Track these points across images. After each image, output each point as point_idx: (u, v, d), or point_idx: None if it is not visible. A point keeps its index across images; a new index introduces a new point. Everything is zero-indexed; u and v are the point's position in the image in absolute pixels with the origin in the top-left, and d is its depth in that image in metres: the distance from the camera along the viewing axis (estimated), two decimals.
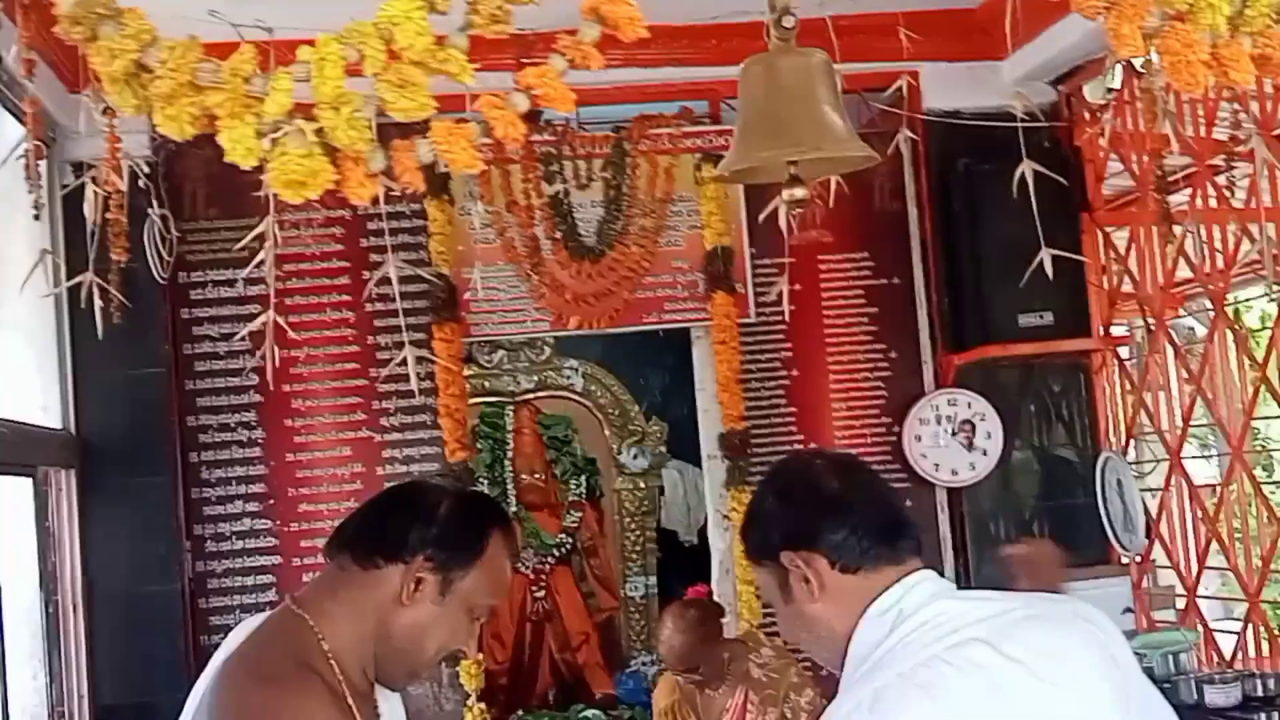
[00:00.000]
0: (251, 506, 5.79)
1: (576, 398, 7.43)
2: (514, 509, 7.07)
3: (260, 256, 5.33)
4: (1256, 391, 5.93)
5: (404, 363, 5.55)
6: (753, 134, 3.21)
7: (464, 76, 1.58)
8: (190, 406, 5.79)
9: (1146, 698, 2.09)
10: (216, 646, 2.21)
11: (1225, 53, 2.60)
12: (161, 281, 5.60)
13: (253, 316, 5.46)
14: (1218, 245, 5.95)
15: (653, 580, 7.41)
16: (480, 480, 6.80)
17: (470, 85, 1.62)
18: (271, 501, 5.79)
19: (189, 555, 5.73)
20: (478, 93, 1.75)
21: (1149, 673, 5.70)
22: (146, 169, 5.30)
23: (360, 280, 5.81)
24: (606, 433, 7.45)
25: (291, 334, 5.48)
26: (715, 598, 5.77)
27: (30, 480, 5.27)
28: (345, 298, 5.90)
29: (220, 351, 5.80)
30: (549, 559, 7.09)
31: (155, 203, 5.53)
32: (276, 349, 5.26)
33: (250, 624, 2.22)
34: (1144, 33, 2.54)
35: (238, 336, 5.41)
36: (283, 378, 5.65)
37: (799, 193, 3.16)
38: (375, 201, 1.77)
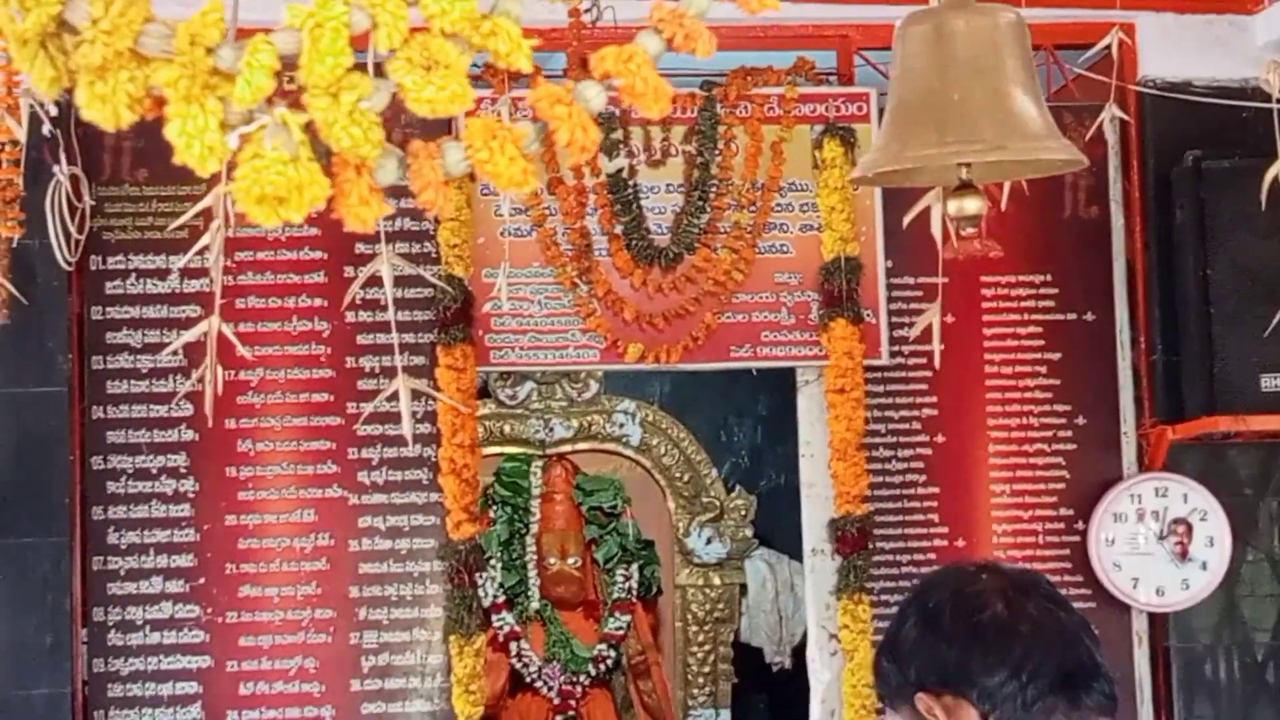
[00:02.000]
0: (174, 586, 5.81)
1: (631, 455, 7.39)
2: (536, 605, 7.04)
3: (204, 240, 5.35)
4: None
5: (395, 396, 5.52)
6: (910, 122, 3.20)
7: (516, 59, 1.55)
8: (98, 443, 5.82)
9: None
10: None
11: None
12: (67, 268, 5.63)
13: (190, 322, 5.48)
14: None
15: (725, 715, 7.37)
16: (492, 564, 6.77)
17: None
18: (201, 580, 5.81)
19: (85, 648, 5.74)
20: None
21: None
22: (54, 110, 5.31)
23: (341, 279, 5.81)
24: (670, 506, 7.42)
25: (243, 350, 5.45)
26: None
27: None
28: (319, 303, 5.91)
29: (143, 369, 5.83)
30: (581, 678, 7.04)
31: (64, 158, 5.54)
32: (221, 370, 5.27)
33: None
34: None
35: (169, 350, 5.41)
36: (227, 409, 5.66)
37: (972, 207, 3.13)
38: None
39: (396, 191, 1.74)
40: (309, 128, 1.55)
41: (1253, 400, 5.85)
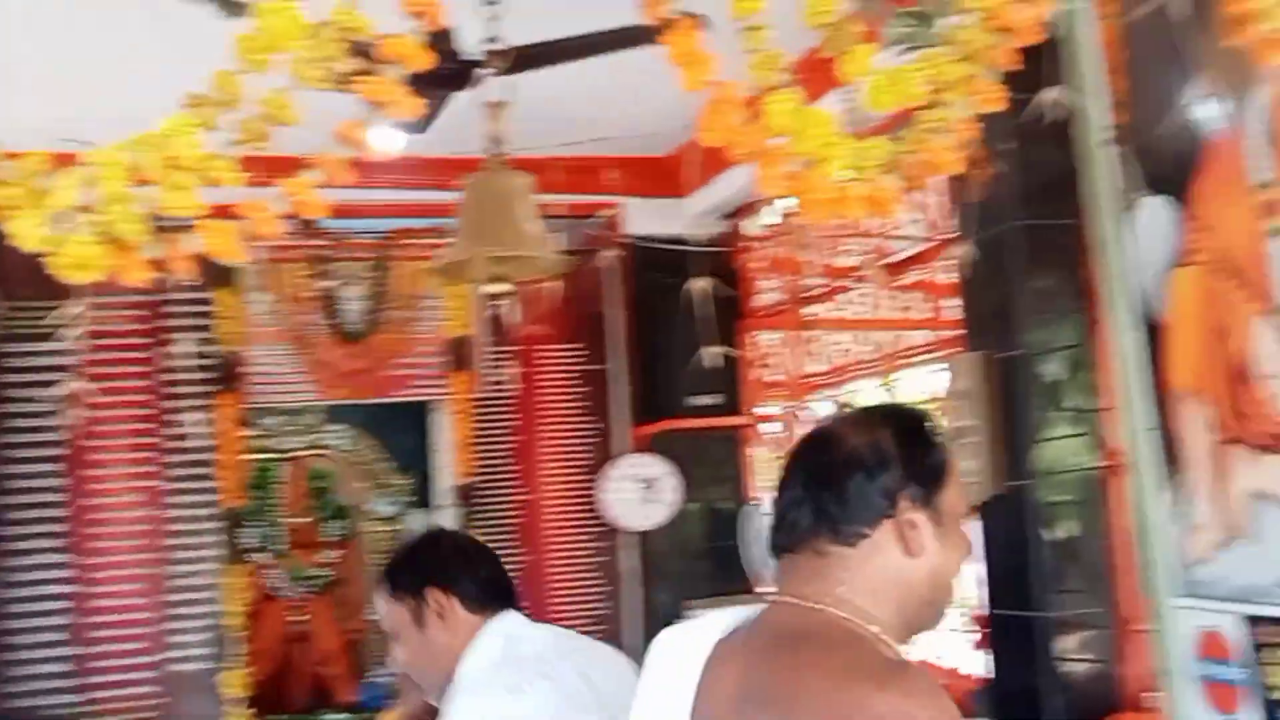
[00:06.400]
0: (47, 543, 5.42)
1: (340, 456, 7.23)
2: (281, 548, 6.83)
3: (73, 332, 5.08)
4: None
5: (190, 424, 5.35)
6: (466, 236, 3.23)
7: (230, 179, 1.55)
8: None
9: None
10: None
11: (849, 193, 2.62)
12: None
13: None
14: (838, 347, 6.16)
15: None
16: (246, 524, 6.50)
17: (237, 190, 1.59)
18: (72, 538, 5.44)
19: None
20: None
21: None
22: None
23: (159, 354, 5.54)
24: (363, 485, 7.27)
25: (96, 398, 5.16)
26: None
27: None
28: (144, 369, 5.62)
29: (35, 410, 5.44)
30: (310, 589, 6.85)
31: None
32: (82, 410, 5.01)
33: (724, 621, 1.67)
34: (784, 176, 2.57)
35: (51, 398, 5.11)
36: (86, 435, 5.33)
37: (499, 287, 3.18)
38: (167, 287, 1.71)
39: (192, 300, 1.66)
40: (100, 224, 1.51)
41: (684, 410, 6.01)
